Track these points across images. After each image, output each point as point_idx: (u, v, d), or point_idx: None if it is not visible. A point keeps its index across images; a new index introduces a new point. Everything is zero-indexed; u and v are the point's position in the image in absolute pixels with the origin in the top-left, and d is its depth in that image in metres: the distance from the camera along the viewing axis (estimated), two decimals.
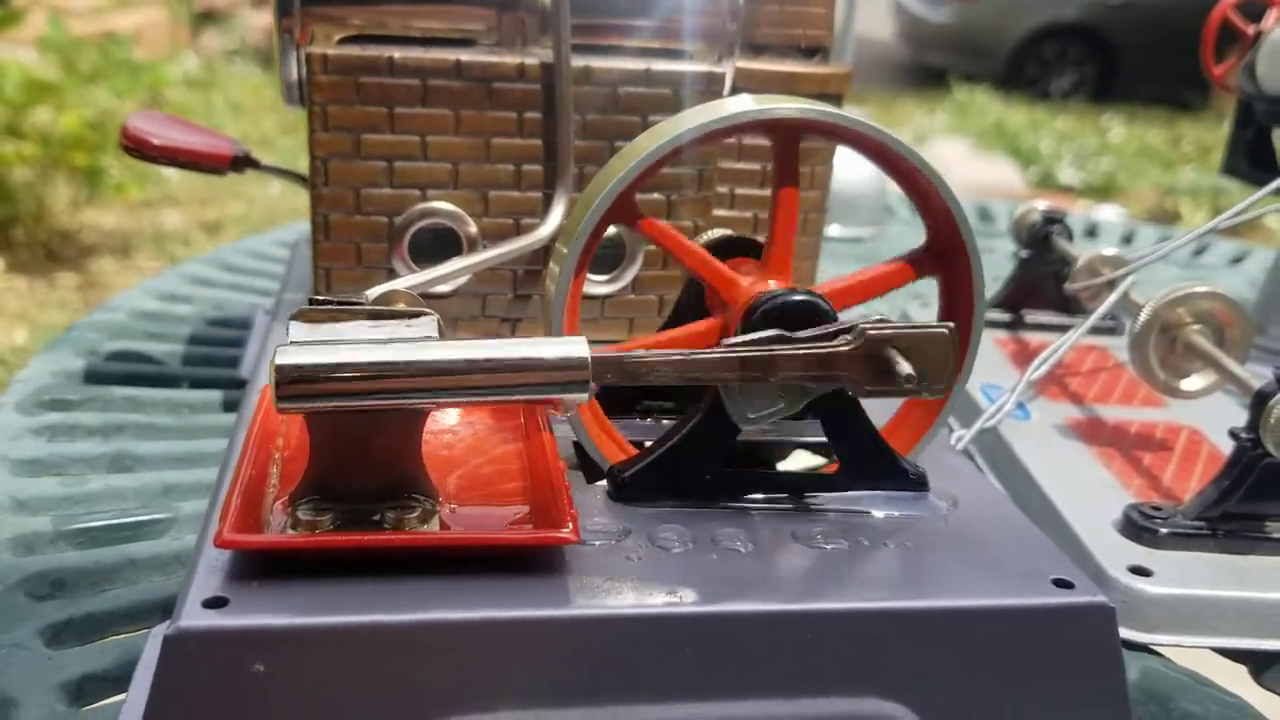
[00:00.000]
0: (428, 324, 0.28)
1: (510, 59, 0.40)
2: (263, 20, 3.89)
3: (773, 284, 0.33)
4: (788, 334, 0.29)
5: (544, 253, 0.42)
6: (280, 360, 0.26)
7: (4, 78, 1.97)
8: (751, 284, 0.33)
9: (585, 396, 0.27)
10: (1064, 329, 0.54)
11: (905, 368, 0.28)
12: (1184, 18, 4.04)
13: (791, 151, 0.33)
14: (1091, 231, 0.88)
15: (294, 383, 0.26)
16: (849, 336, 0.29)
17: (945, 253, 0.33)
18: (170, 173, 2.48)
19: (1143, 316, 0.43)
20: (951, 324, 0.29)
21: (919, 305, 0.60)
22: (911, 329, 0.29)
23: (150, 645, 0.30)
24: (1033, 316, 0.57)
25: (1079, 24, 4.41)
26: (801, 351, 0.28)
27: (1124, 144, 3.62)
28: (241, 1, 4.02)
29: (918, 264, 0.34)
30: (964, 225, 0.32)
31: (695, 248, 0.33)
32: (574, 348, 0.27)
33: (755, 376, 0.28)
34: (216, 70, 3.48)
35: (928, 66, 4.57)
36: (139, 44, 2.73)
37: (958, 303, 0.34)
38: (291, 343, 0.26)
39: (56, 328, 1.70)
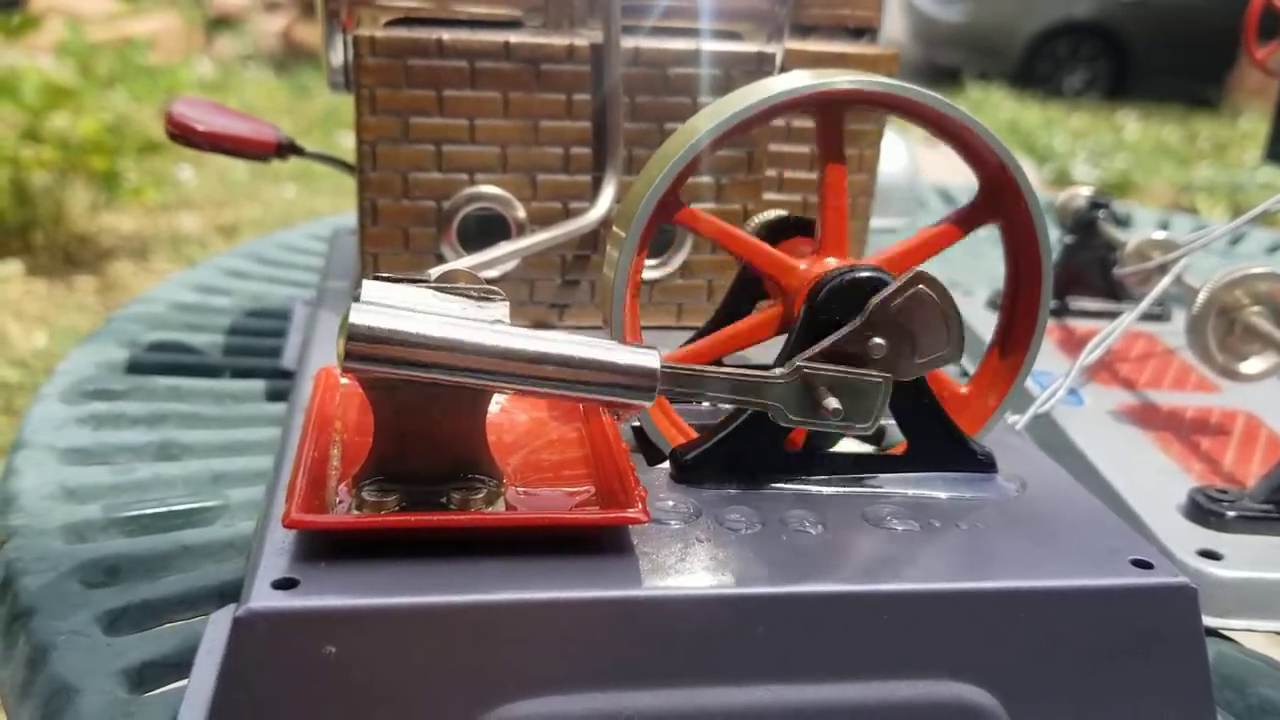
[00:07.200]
0: (500, 307, 0.27)
1: (559, 40, 0.40)
2: (275, 26, 3.91)
3: (831, 262, 0.32)
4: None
5: (592, 237, 0.42)
6: (354, 318, 0.25)
7: (23, 83, 1.98)
8: (810, 265, 0.32)
9: (648, 403, 0.27)
10: (1110, 316, 0.54)
11: (832, 403, 0.29)
12: (1197, 14, 4.03)
13: (837, 127, 0.32)
14: (1125, 221, 0.87)
15: (365, 341, 0.25)
16: (784, 370, 0.29)
17: (1000, 198, 0.33)
18: (186, 176, 2.49)
19: (1201, 298, 0.42)
20: (888, 375, 0.29)
21: (961, 293, 0.60)
22: (847, 374, 0.29)
23: (210, 630, 0.30)
24: (1077, 303, 0.56)
25: (1091, 21, 4.39)
26: (729, 375, 0.29)
27: (1139, 141, 3.60)
28: (254, 7, 4.03)
29: (966, 220, 0.33)
30: (1017, 171, 0.32)
31: (745, 236, 0.33)
32: (646, 358, 0.27)
33: (684, 394, 0.28)
34: (231, 74, 3.49)
35: (940, 65, 4.56)
36: (154, 49, 2.74)
37: (1022, 251, 0.33)
38: (365, 302, 0.26)
39: (76, 331, 1.71)
